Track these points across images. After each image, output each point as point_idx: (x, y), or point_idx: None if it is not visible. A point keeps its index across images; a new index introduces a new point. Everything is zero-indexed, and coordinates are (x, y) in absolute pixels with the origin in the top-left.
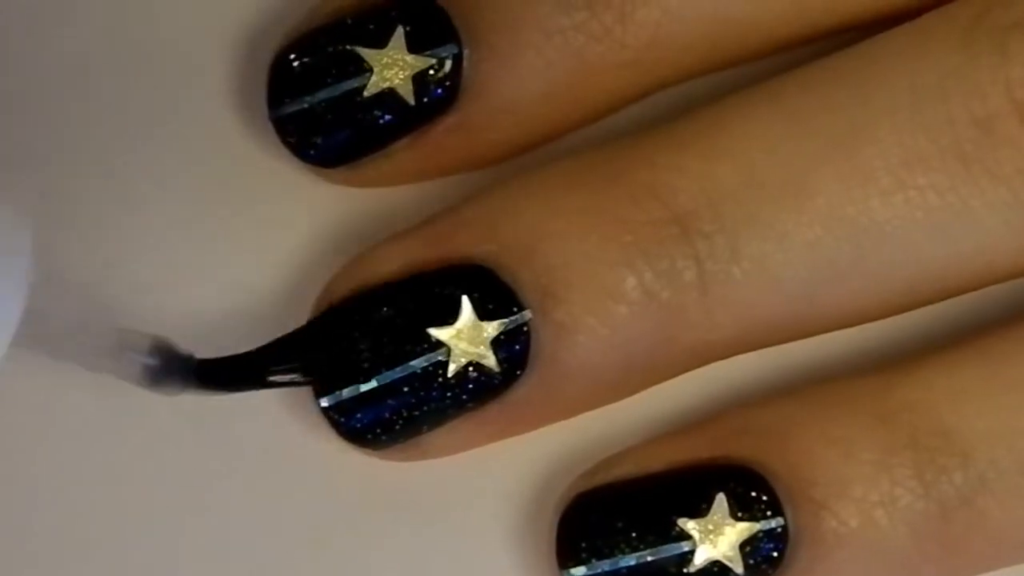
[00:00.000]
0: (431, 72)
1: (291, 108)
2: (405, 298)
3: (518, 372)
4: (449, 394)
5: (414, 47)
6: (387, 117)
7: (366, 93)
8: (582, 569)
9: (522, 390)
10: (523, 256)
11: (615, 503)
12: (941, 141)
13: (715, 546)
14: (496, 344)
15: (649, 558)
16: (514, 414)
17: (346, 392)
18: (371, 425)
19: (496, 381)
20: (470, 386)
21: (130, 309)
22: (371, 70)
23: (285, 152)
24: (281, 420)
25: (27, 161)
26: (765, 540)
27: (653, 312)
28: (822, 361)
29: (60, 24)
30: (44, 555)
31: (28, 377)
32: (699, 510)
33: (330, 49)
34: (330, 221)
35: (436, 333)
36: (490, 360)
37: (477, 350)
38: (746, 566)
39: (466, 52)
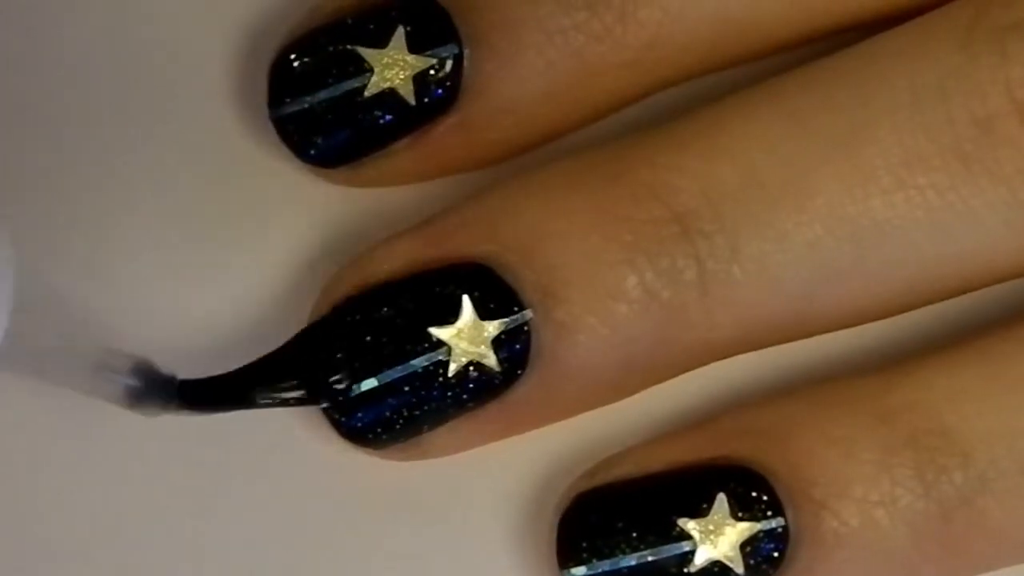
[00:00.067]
0: (432, 72)
1: (291, 108)
2: (406, 298)
3: (519, 372)
4: (450, 393)
5: (415, 47)
6: (387, 117)
7: (366, 93)
8: (582, 569)
9: (522, 390)
10: (524, 255)
11: (615, 503)
12: (941, 141)
13: (715, 546)
14: (497, 344)
15: (650, 558)
16: (514, 414)
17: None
18: (372, 424)
19: (497, 381)
20: (471, 385)
21: (129, 309)
22: (372, 70)
23: (285, 152)
24: (281, 419)
25: (27, 161)
26: (766, 540)
27: (654, 312)
28: (822, 361)
29: (60, 24)
30: (44, 555)
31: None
32: (699, 510)
33: (330, 49)
34: (330, 221)
35: (437, 332)
36: (491, 359)
37: (478, 349)
38: (746, 566)
39: (467, 52)
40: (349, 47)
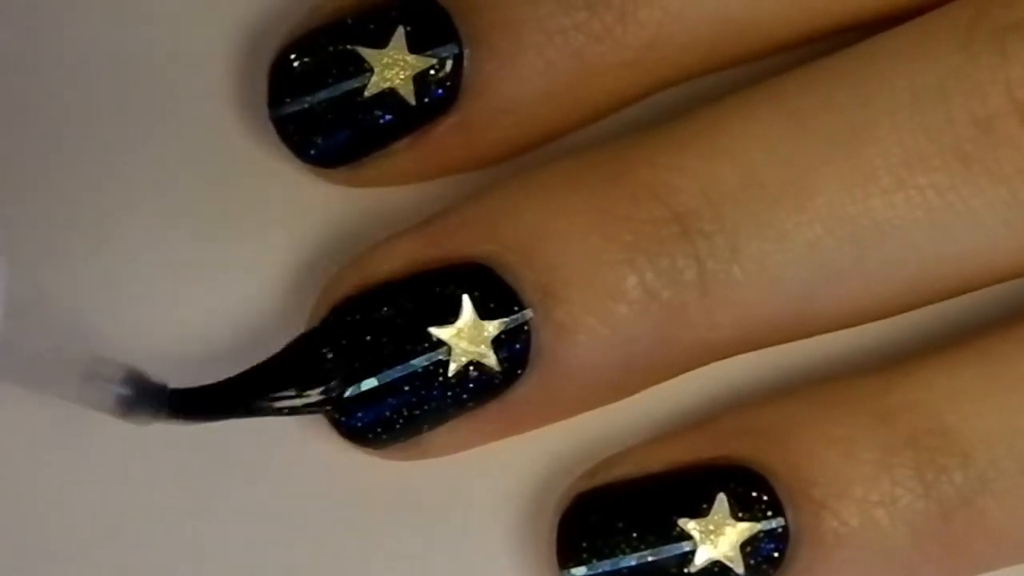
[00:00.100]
0: (432, 72)
1: (291, 108)
2: (406, 297)
3: (519, 371)
4: (450, 393)
5: (415, 47)
6: (388, 117)
7: (367, 93)
8: (582, 569)
9: (522, 389)
10: (524, 255)
11: (615, 503)
12: (941, 141)
13: (716, 546)
14: (497, 343)
15: (650, 558)
16: (514, 413)
17: (347, 391)
18: (372, 424)
19: (497, 380)
20: (471, 385)
21: (129, 309)
22: (372, 70)
23: (285, 152)
24: (281, 419)
25: (27, 161)
26: (766, 540)
27: (654, 312)
28: (822, 361)
29: (60, 24)
30: (44, 555)
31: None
32: (700, 510)
33: (331, 49)
34: (330, 221)
35: (437, 332)
36: (491, 359)
37: (478, 349)
38: (747, 566)
39: (467, 52)
40: (349, 47)
